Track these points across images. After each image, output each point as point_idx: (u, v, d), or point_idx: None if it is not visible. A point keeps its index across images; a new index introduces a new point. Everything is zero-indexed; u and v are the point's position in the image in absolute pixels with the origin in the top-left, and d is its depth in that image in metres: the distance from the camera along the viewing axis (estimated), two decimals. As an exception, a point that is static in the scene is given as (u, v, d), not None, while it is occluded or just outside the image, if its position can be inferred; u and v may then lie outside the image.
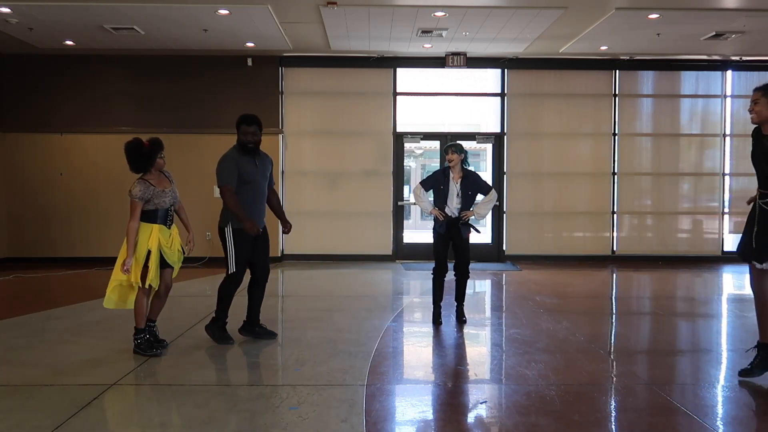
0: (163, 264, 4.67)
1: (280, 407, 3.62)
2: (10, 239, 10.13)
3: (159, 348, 4.73)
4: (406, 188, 11.19)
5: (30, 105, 10.11)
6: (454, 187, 5.82)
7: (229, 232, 5.01)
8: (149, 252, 4.58)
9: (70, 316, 6.16)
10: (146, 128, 10.14)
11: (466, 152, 5.93)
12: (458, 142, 6.08)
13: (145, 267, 4.58)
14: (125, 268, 4.46)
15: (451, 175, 5.84)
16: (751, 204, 4.17)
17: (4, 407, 3.62)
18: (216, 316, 5.14)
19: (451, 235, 5.85)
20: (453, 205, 5.83)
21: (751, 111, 4.13)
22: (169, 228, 4.73)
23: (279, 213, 5.39)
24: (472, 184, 5.87)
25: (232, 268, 5.03)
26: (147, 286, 4.61)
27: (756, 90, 4.11)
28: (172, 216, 4.80)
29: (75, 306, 6.64)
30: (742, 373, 4.21)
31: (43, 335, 5.39)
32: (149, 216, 4.64)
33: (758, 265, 4.02)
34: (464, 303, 5.96)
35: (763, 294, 4.08)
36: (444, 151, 6.08)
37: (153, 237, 4.61)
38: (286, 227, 5.35)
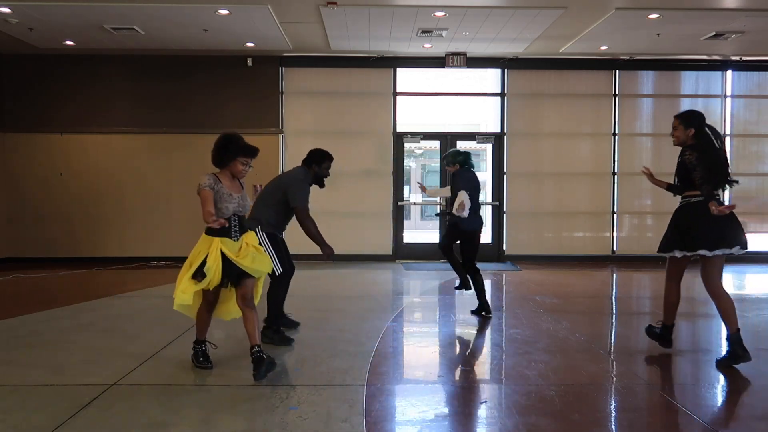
0: (242, 275, 4.13)
1: (280, 407, 3.61)
2: (10, 239, 10.14)
3: (210, 363, 4.33)
4: (406, 188, 11.19)
5: (30, 105, 10.12)
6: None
7: (263, 236, 5.02)
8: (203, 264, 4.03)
9: (70, 316, 6.15)
10: (146, 128, 10.19)
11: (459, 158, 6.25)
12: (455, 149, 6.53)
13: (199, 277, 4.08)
14: (212, 218, 3.95)
15: None
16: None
17: (4, 407, 3.62)
18: (267, 324, 5.15)
19: None
20: None
21: (672, 135, 4.81)
22: (236, 241, 4.16)
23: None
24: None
25: (279, 269, 5.07)
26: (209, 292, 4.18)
27: (676, 117, 4.74)
28: (237, 228, 4.20)
29: (75, 306, 6.63)
30: (720, 363, 4.50)
31: (43, 335, 5.38)
32: (210, 227, 4.07)
33: (678, 254, 4.57)
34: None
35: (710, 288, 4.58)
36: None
37: (213, 250, 4.04)
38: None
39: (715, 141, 4.58)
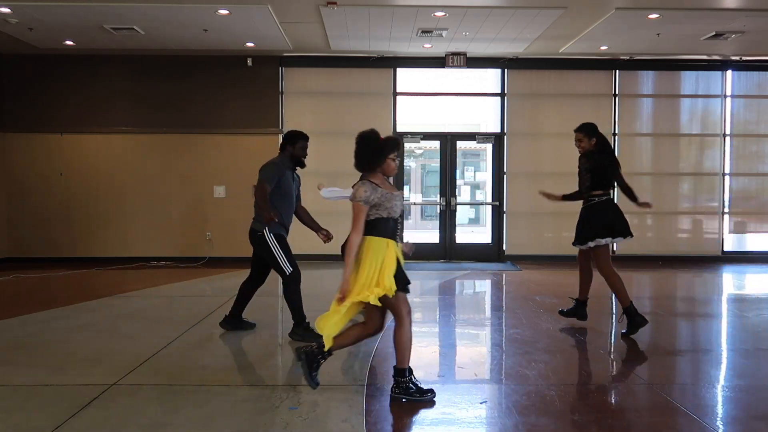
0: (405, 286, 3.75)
1: (280, 407, 3.61)
2: (10, 239, 10.14)
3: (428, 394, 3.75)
4: (406, 188, 11.19)
5: (30, 105, 10.11)
6: None
7: (270, 236, 5.06)
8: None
9: (70, 316, 6.16)
10: (146, 128, 10.19)
11: None
12: None
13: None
14: (341, 296, 3.59)
15: None
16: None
17: (4, 407, 3.62)
18: (295, 321, 5.15)
19: None
20: None
21: (577, 147, 5.55)
22: (398, 244, 3.78)
23: (313, 223, 5.48)
24: None
25: (289, 268, 5.06)
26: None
27: (577, 131, 5.52)
28: (401, 229, 3.77)
29: (75, 306, 6.63)
30: (625, 335, 5.29)
31: (43, 335, 5.38)
32: (381, 227, 3.67)
33: (591, 244, 5.40)
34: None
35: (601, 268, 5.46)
36: None
37: (390, 254, 3.63)
38: (325, 235, 5.38)
39: (609, 145, 5.55)
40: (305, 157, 5.31)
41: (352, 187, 3.75)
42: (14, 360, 4.63)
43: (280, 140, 5.41)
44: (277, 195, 5.11)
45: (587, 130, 5.47)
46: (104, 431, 3.31)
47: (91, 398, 3.73)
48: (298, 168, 5.34)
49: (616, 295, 5.43)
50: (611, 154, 5.50)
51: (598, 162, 5.36)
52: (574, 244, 5.62)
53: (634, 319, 5.29)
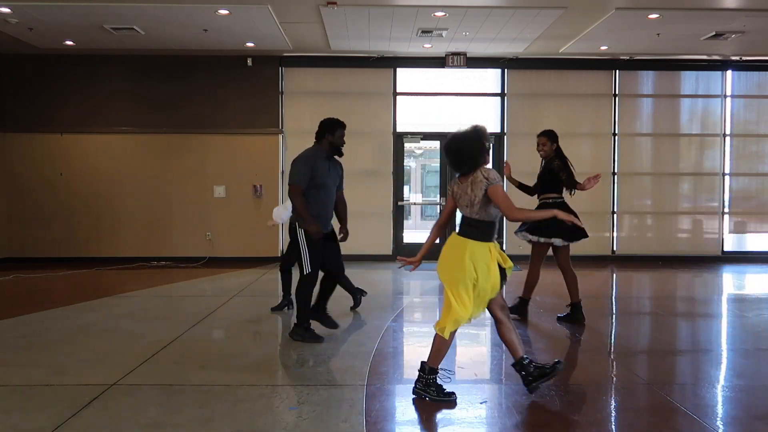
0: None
1: (280, 407, 3.62)
2: (10, 239, 10.13)
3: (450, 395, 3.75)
4: (406, 188, 11.20)
5: (30, 105, 10.11)
6: None
7: (301, 232, 5.01)
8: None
9: (70, 316, 6.16)
10: (146, 128, 10.20)
11: None
12: None
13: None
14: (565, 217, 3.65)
15: None
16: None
17: (4, 407, 3.62)
18: (298, 321, 5.13)
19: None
20: None
21: (539, 150, 5.89)
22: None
23: (343, 219, 5.42)
24: None
25: (308, 268, 5.03)
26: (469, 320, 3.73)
27: (540, 135, 5.87)
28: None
29: (75, 306, 6.63)
30: (560, 319, 5.90)
31: (43, 335, 5.38)
32: (487, 230, 3.68)
33: (533, 238, 5.78)
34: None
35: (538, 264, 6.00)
36: None
37: (493, 258, 3.65)
38: (343, 236, 5.39)
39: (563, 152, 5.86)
40: (343, 146, 5.25)
41: (462, 180, 3.72)
42: (14, 360, 4.63)
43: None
44: (310, 188, 5.05)
45: (551, 136, 5.83)
46: (104, 431, 3.31)
47: (91, 398, 3.73)
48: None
49: (525, 286, 6.04)
50: (566, 161, 5.82)
51: (563, 166, 5.73)
52: (516, 231, 6.15)
53: (520, 308, 6.00)
